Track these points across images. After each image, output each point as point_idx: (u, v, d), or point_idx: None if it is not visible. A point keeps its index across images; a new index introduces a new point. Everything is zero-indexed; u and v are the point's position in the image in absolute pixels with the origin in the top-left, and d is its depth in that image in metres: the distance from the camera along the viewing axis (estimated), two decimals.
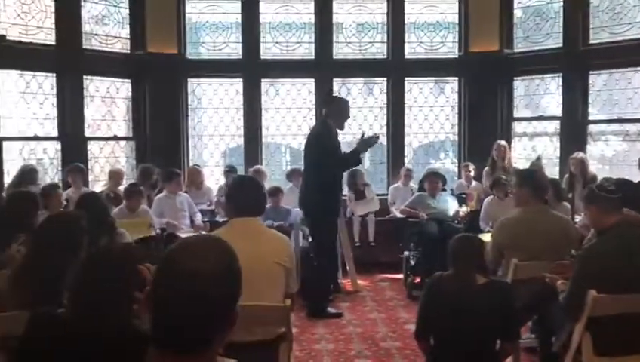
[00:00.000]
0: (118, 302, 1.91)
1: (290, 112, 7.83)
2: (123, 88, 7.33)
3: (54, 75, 6.60)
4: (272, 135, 7.91)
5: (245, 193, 3.09)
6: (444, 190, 6.61)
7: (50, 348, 1.91)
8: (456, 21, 7.82)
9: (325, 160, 5.19)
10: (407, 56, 7.77)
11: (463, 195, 6.84)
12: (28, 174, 6.05)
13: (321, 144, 5.21)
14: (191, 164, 7.59)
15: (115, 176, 6.79)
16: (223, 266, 1.18)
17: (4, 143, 6.27)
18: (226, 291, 1.18)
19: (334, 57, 7.71)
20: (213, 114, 7.81)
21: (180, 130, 7.52)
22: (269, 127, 7.83)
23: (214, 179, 7.85)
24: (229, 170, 7.17)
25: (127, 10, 7.20)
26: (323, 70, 7.67)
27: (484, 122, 7.55)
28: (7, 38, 6.08)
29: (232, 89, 7.75)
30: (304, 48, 7.77)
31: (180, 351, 1.14)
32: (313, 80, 7.73)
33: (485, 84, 7.57)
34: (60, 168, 6.72)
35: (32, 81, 6.50)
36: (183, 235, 6.01)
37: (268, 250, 2.94)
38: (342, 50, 7.82)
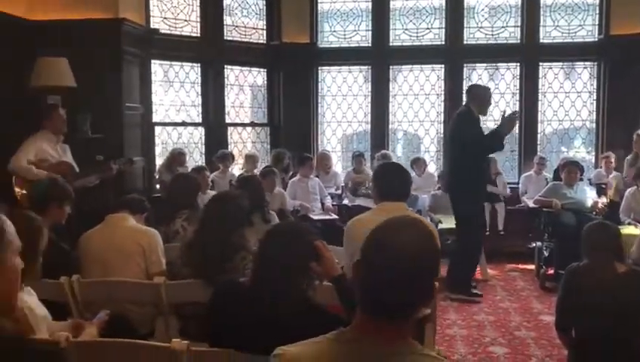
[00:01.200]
0: (295, 273, 2.11)
1: (417, 99, 7.84)
2: (259, 77, 7.73)
3: (199, 65, 7.09)
4: (398, 121, 7.98)
5: (390, 177, 3.21)
6: (581, 180, 6.34)
7: (233, 313, 2.15)
8: (597, 2, 7.41)
9: (469, 146, 5.23)
10: (541, 41, 7.49)
11: (603, 185, 6.53)
12: (177, 157, 6.60)
13: (464, 130, 5.26)
14: (320, 149, 7.87)
15: (250, 159, 7.22)
16: (428, 244, 1.30)
17: (156, 128, 6.86)
18: (429, 266, 1.29)
19: (465, 42, 7.61)
20: (341, 100, 8.01)
21: (311, 117, 7.80)
22: (395, 114, 7.91)
23: (341, 164, 8.10)
24: (359, 155, 7.38)
25: (264, 2, 7.55)
26: (453, 56, 7.60)
27: (625, 110, 7.10)
28: (160, 31, 6.61)
29: (360, 76, 7.91)
30: (433, 34, 7.73)
31: (387, 318, 1.27)
32: (442, 66, 7.69)
33: (627, 69, 7.10)
34: (203, 152, 7.24)
35: (180, 70, 7.03)
36: (315, 217, 6.30)
37: None
38: (473, 35, 7.69)
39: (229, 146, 7.42)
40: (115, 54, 5.85)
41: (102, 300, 2.94)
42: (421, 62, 7.78)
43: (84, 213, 4.85)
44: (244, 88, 7.68)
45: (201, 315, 2.98)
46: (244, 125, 7.74)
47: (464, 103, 5.59)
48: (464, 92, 6.01)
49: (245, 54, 7.44)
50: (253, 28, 7.54)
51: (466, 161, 5.30)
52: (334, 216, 6.47)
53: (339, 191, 7.36)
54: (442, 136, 7.69)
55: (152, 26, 6.56)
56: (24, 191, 4.64)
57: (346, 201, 7.07)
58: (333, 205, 6.78)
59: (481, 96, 5.44)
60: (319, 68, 7.91)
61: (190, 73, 7.11)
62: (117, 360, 2.27)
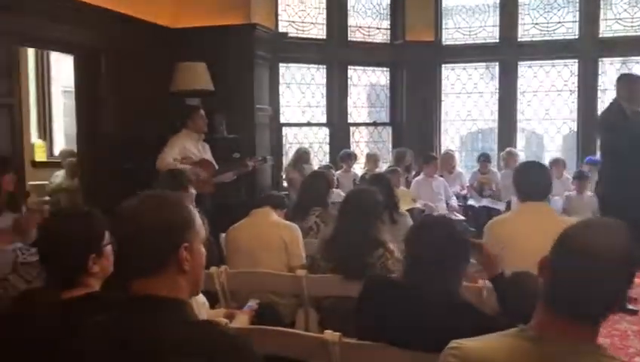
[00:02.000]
0: (449, 270, 2.10)
1: (548, 95, 7.49)
2: (382, 76, 7.76)
3: (324, 66, 7.25)
4: (526, 119, 7.68)
5: (534, 177, 3.10)
6: None
7: (383, 309, 2.18)
8: None
9: (618, 145, 4.72)
10: None
11: None
12: (302, 155, 6.81)
13: (611, 129, 4.77)
14: (443, 148, 7.75)
15: (372, 159, 7.26)
16: (623, 251, 1.25)
17: (284, 129, 7.11)
18: (622, 273, 1.25)
19: (600, 36, 7.16)
20: (466, 98, 7.84)
21: (434, 115, 7.71)
22: (524, 111, 7.61)
23: (464, 164, 7.94)
24: (485, 159, 7.17)
25: (389, 1, 7.57)
26: (586, 49, 7.18)
27: None
28: (288, 35, 6.84)
29: (487, 73, 7.70)
30: (566, 28, 7.35)
31: (576, 318, 1.25)
32: (576, 60, 7.29)
33: None
34: (327, 151, 7.39)
35: (307, 72, 7.23)
36: None
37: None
38: (610, 27, 7.22)
39: (351, 146, 7.52)
40: (247, 58, 6.13)
41: (247, 290, 3.11)
42: (552, 57, 7.42)
43: (221, 206, 5.18)
44: (367, 88, 7.75)
45: (340, 308, 3.09)
46: (366, 125, 7.80)
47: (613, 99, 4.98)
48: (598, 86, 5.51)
49: (368, 54, 7.50)
50: (377, 28, 7.59)
51: (614, 164, 4.76)
52: (460, 217, 6.34)
53: (464, 192, 7.21)
54: (576, 134, 7.30)
55: (280, 30, 6.81)
56: None
57: (471, 202, 6.91)
58: (458, 205, 6.65)
59: (630, 89, 4.70)
60: (443, 65, 7.80)
61: (316, 75, 7.28)
62: (268, 347, 2.38)
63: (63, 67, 7.42)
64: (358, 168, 7.43)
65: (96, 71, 5.27)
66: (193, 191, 3.50)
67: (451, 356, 1.33)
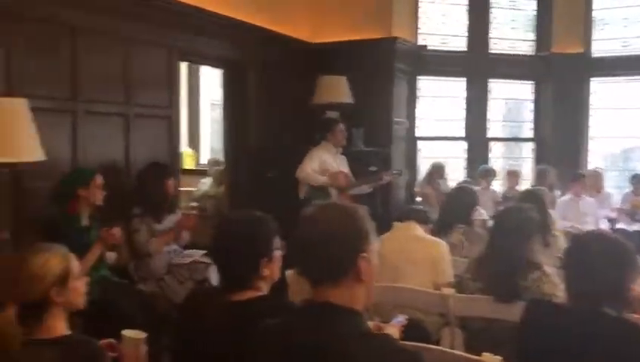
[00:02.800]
0: (619, 293, 1.94)
1: None
2: (524, 90, 7.42)
3: (464, 79, 7.07)
4: None
5: None
6: None
7: (548, 334, 2.05)
8: None
9: None
10: None
11: None
12: (437, 170, 6.68)
13: None
14: (590, 166, 7.24)
15: (512, 175, 6.95)
16: None
17: (419, 142, 7.02)
18: None
19: None
20: (616, 114, 7.27)
21: (581, 131, 7.23)
22: None
23: (613, 185, 7.34)
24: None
25: (535, 13, 7.24)
26: None
27: None
28: (427, 47, 6.77)
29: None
30: None
31: None
32: None
33: None
34: (465, 166, 7.19)
35: (445, 85, 7.09)
36: None
37: None
38: None
39: (489, 161, 7.25)
40: (387, 71, 6.15)
41: (391, 305, 3.07)
42: None
43: None
44: (508, 102, 7.45)
45: (488, 330, 2.95)
46: (506, 140, 7.50)
47: None
48: None
49: (511, 67, 7.20)
50: (522, 40, 7.27)
51: None
52: None
53: (613, 214, 6.67)
54: None
55: (419, 43, 6.75)
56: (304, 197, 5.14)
57: (621, 225, 6.38)
58: (610, 229, 6.16)
59: None
60: (591, 79, 7.30)
61: (455, 87, 7.12)
62: None
63: (209, 81, 7.91)
64: (496, 185, 7.14)
65: (243, 84, 5.54)
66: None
67: None
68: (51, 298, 1.80)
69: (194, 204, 6.92)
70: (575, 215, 6.04)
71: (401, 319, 2.63)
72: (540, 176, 6.59)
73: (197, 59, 5.23)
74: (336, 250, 1.39)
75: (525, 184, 6.78)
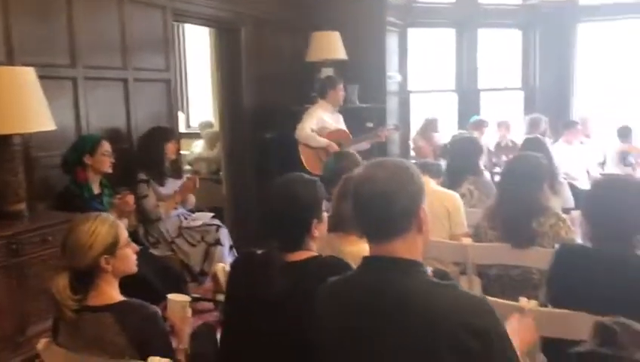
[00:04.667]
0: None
1: None
2: (515, 40, 7.43)
3: (454, 30, 7.05)
4: None
5: None
6: None
7: (577, 277, 2.13)
8: None
9: None
10: None
11: None
12: (431, 124, 6.71)
13: None
14: (578, 113, 7.35)
15: (502, 126, 7.02)
16: None
17: (412, 96, 7.03)
18: None
19: None
20: (604, 60, 7.35)
21: (569, 79, 7.31)
22: None
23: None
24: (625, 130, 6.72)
25: None
26: None
27: None
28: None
29: (628, 32, 7.16)
30: None
31: None
32: None
33: None
34: (457, 118, 7.24)
35: (435, 38, 7.07)
36: (579, 186, 5.92)
37: None
38: None
39: (481, 112, 7.30)
40: (379, 26, 6.08)
41: None
42: None
43: None
44: (498, 52, 7.46)
45: (505, 276, 3.04)
46: (496, 90, 7.54)
47: None
48: None
49: (499, 16, 7.19)
50: None
51: None
52: None
53: (600, 160, 6.82)
54: None
55: None
56: (307, 156, 5.13)
57: (609, 170, 6.53)
58: (600, 175, 6.30)
59: None
60: (578, 24, 7.34)
61: (444, 40, 7.10)
62: None
63: (195, 40, 7.75)
64: (490, 136, 7.21)
65: (237, 43, 5.45)
66: None
67: None
68: (101, 265, 1.81)
69: (187, 167, 6.92)
70: (568, 162, 6.14)
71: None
72: (532, 125, 6.65)
73: (190, 19, 5.11)
74: (403, 204, 1.43)
75: (515, 133, 6.86)
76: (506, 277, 3.06)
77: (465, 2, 6.99)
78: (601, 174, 6.39)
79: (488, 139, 6.94)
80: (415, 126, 6.96)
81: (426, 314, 1.35)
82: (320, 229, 1.81)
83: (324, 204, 1.86)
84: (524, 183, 2.94)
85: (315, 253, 1.80)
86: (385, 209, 1.43)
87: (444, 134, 6.63)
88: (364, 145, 5.41)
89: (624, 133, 6.74)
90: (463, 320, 1.33)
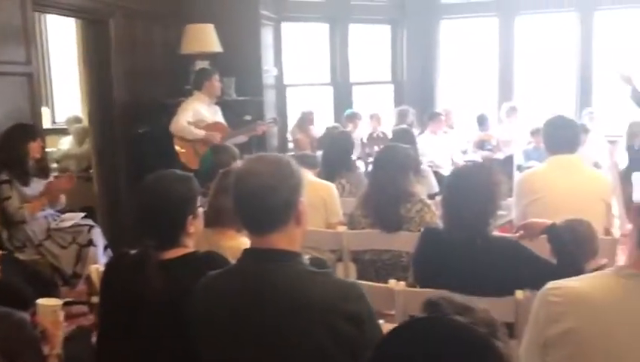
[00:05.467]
0: (489, 214, 2.24)
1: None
2: (383, 34, 7.77)
3: (327, 25, 7.24)
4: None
5: (557, 130, 3.23)
6: None
7: (437, 259, 2.31)
8: None
9: None
10: None
11: None
12: (308, 117, 6.87)
13: None
14: (443, 105, 7.86)
15: (374, 118, 7.36)
16: None
17: (288, 89, 7.13)
18: None
19: None
20: (464, 55, 7.93)
21: (433, 73, 7.79)
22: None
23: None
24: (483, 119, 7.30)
25: None
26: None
27: None
28: None
29: (485, 29, 7.77)
30: None
31: None
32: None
33: None
34: (332, 111, 7.45)
35: (309, 32, 7.22)
36: (444, 173, 6.36)
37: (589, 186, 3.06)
38: None
39: (355, 105, 7.58)
40: (253, 19, 6.10)
41: None
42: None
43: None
44: (368, 46, 7.77)
45: (378, 261, 3.23)
46: (368, 83, 7.85)
47: None
48: None
49: (369, 12, 7.49)
50: None
51: None
52: None
53: (463, 148, 7.37)
54: None
55: None
56: (183, 150, 5.06)
57: (470, 157, 7.07)
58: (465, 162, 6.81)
59: None
60: (441, 21, 7.84)
61: (318, 34, 7.27)
62: None
63: (61, 31, 7.30)
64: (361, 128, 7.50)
65: (105, 35, 5.22)
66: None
67: (552, 295, 1.40)
68: None
69: (54, 165, 6.53)
70: (434, 150, 6.57)
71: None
72: (400, 116, 7.04)
73: (52, 9, 4.81)
74: (283, 198, 1.49)
75: (386, 125, 7.20)
76: (378, 262, 3.24)
77: None
78: (465, 161, 6.91)
79: (362, 131, 7.25)
80: (292, 119, 7.08)
81: (302, 300, 1.43)
82: (195, 225, 1.82)
83: (200, 200, 1.86)
84: (393, 172, 3.13)
85: (192, 249, 1.81)
86: (266, 202, 1.48)
87: (321, 126, 6.82)
88: (242, 138, 5.42)
89: (481, 121, 7.34)
90: (336, 305, 1.43)
